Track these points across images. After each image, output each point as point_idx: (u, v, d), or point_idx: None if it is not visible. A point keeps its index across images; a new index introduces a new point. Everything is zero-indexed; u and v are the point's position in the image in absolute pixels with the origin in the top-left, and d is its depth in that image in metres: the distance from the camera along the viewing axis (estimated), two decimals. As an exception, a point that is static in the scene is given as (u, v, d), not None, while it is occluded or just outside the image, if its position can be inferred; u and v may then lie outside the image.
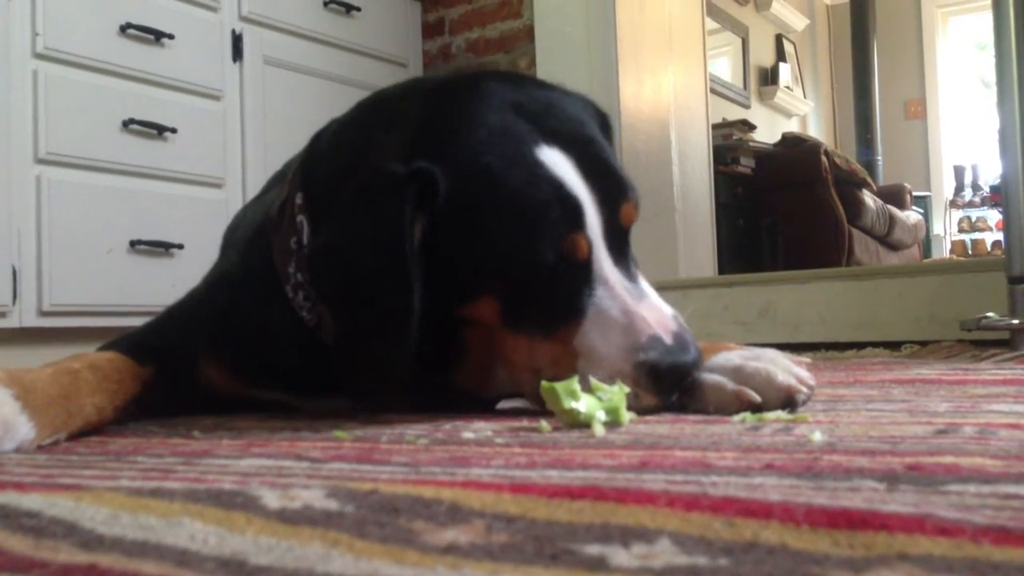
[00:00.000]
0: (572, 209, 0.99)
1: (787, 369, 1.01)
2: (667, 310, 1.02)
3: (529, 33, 3.45)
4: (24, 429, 0.86)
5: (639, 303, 1.00)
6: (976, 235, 7.90)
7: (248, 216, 1.30)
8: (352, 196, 1.02)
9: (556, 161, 1.00)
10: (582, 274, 1.00)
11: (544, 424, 0.91)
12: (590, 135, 1.07)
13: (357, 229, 1.00)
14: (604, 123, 1.16)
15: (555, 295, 1.00)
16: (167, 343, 1.15)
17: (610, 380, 0.95)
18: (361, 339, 1.02)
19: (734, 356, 1.04)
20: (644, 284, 1.04)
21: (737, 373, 1.01)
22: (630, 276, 1.03)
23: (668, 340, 0.97)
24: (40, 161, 2.37)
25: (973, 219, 7.97)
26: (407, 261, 0.96)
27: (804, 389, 1.00)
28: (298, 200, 1.11)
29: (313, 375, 1.13)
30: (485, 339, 1.04)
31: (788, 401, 0.98)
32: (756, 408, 0.97)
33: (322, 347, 1.09)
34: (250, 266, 1.18)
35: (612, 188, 1.03)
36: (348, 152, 1.10)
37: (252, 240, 1.20)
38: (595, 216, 1.01)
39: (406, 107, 1.08)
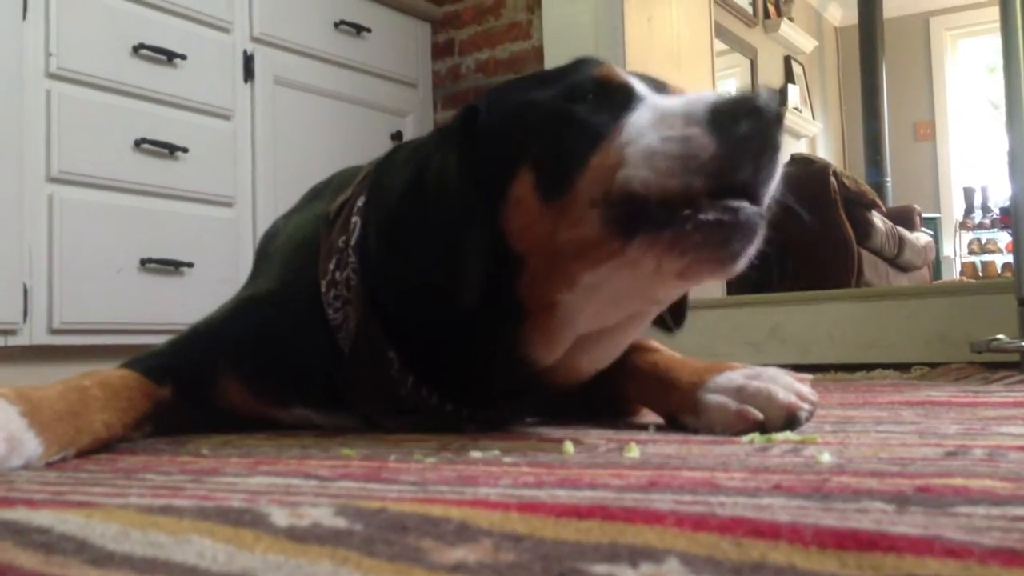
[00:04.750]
0: (604, 65, 0.98)
1: (788, 387, 1.02)
2: None
3: (538, 54, 3.47)
4: (31, 445, 0.86)
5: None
6: (986, 257, 7.87)
7: (289, 228, 1.32)
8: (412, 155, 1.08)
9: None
10: (621, 99, 0.94)
11: (568, 446, 0.90)
12: None
13: (420, 172, 1.02)
14: None
15: (589, 127, 0.92)
16: (187, 361, 1.14)
17: (665, 140, 0.85)
18: (432, 278, 0.99)
19: (736, 376, 1.05)
20: None
21: (740, 393, 1.02)
22: None
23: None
24: (52, 180, 2.38)
25: (983, 241, 7.95)
26: (465, 187, 0.96)
27: (805, 406, 1.00)
28: (359, 203, 1.12)
29: (337, 390, 1.13)
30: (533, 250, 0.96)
31: (791, 418, 0.99)
32: (760, 426, 0.98)
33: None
34: (291, 275, 1.18)
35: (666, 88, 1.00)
36: (416, 161, 1.07)
37: (297, 249, 1.21)
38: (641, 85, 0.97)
39: None
